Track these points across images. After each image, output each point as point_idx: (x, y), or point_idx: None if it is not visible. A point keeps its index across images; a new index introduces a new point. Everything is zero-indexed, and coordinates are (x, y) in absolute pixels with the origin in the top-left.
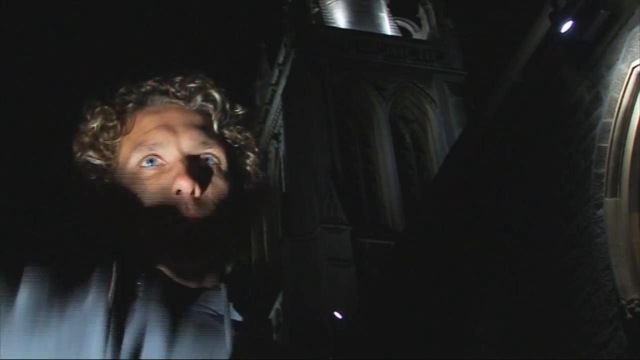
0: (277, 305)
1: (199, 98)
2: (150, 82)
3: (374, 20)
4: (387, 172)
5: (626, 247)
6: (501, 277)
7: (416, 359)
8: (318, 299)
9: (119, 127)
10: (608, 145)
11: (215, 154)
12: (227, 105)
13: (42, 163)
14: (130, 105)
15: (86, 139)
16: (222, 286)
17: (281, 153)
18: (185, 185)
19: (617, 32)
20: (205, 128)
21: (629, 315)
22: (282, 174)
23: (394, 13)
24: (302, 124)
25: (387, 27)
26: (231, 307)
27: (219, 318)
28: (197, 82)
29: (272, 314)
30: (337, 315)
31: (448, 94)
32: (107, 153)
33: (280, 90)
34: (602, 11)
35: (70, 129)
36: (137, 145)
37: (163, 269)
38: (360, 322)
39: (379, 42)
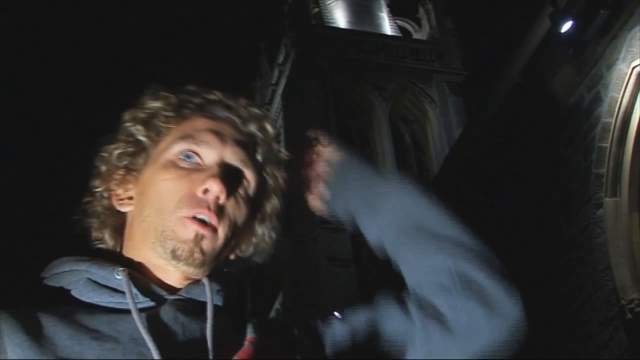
0: (277, 305)
1: (254, 125)
2: (217, 92)
3: (374, 20)
4: None
5: (626, 247)
6: None
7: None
8: (318, 299)
9: (175, 116)
10: (608, 145)
11: (249, 177)
12: (275, 145)
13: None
14: (192, 105)
15: (141, 114)
16: (204, 280)
17: None
18: (215, 187)
19: (617, 32)
20: (249, 151)
21: (629, 315)
22: None
23: (394, 13)
24: (302, 124)
25: (387, 27)
26: (216, 295)
27: (198, 303)
28: (258, 110)
29: (272, 314)
30: (337, 315)
31: (448, 94)
32: (153, 134)
33: (280, 90)
34: (602, 11)
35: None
36: (185, 136)
37: (150, 266)
38: None
39: (379, 42)
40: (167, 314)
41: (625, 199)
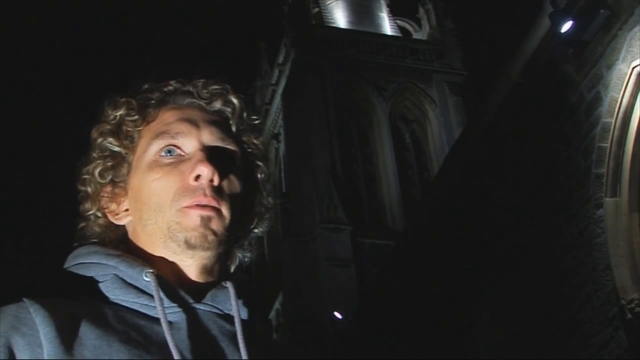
0: (277, 305)
1: (219, 102)
2: (173, 82)
3: (374, 20)
4: (387, 172)
5: (626, 247)
6: (501, 277)
7: (416, 359)
8: (318, 299)
9: (141, 118)
10: (608, 145)
11: (232, 152)
12: (245, 113)
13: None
14: (153, 101)
15: (108, 127)
16: (228, 284)
17: (281, 153)
18: (206, 171)
19: (617, 32)
20: (224, 127)
21: (629, 315)
22: (282, 174)
23: (394, 13)
24: (302, 124)
25: (387, 27)
26: (240, 304)
27: (227, 318)
28: (218, 86)
29: (272, 314)
30: (337, 315)
31: (448, 94)
32: (126, 142)
33: (280, 90)
34: (602, 11)
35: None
36: (159, 134)
37: (167, 264)
38: (360, 322)
39: (379, 42)
40: (195, 328)
41: (625, 199)
